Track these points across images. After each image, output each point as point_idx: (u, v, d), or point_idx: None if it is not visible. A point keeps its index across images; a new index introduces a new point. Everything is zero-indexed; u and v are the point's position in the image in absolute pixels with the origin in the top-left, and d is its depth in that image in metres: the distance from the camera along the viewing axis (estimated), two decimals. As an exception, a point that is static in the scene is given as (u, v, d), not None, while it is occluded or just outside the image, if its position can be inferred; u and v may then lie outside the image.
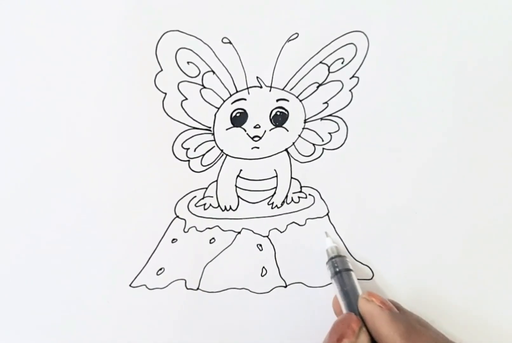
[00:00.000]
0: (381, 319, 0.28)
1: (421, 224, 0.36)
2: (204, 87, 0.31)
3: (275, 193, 0.34)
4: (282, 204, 0.35)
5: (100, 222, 0.33)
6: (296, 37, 0.30)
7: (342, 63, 0.31)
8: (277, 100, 0.32)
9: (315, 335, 0.39)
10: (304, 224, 0.35)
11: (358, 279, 0.37)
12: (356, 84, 0.32)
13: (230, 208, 0.34)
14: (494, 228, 0.36)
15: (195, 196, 0.34)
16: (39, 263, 0.34)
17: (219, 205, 0.34)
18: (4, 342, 0.36)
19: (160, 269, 0.35)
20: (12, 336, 0.36)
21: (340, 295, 0.32)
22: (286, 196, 0.34)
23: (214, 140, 0.32)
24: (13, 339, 0.36)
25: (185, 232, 0.34)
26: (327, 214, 0.35)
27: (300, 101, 0.32)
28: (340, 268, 0.33)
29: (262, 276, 0.36)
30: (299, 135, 0.33)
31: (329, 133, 0.33)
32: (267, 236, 0.35)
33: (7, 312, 0.35)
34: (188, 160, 0.32)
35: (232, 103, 0.31)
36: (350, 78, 0.32)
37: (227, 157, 0.33)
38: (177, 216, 0.34)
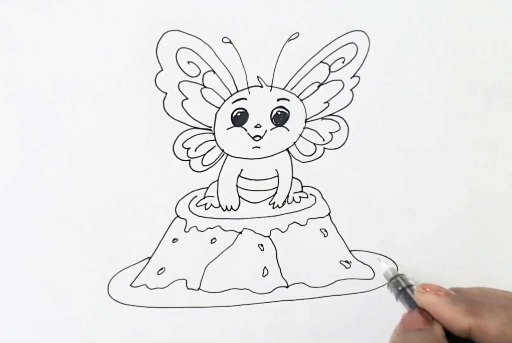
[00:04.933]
0: (441, 305, 0.28)
1: (422, 223, 0.36)
2: (205, 87, 0.31)
3: (276, 192, 0.34)
4: (283, 204, 0.34)
5: (100, 221, 0.33)
6: (297, 36, 0.30)
7: (343, 62, 0.31)
8: (278, 100, 0.32)
9: (317, 335, 0.39)
10: (305, 224, 0.35)
11: (359, 279, 0.37)
12: (357, 84, 0.32)
13: (231, 208, 0.34)
14: (496, 228, 0.36)
15: (196, 196, 0.33)
16: (39, 262, 0.34)
17: (220, 205, 0.34)
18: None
19: (161, 269, 0.35)
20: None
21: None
22: (287, 196, 0.34)
23: (215, 139, 0.32)
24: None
25: (186, 232, 0.34)
26: (329, 214, 0.35)
27: (301, 100, 0.32)
28: (404, 286, 0.33)
29: (263, 276, 0.36)
30: (300, 135, 0.33)
31: (330, 133, 0.33)
32: (268, 236, 0.35)
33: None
34: (189, 160, 0.32)
35: (232, 103, 0.31)
36: (351, 78, 0.32)
37: (228, 156, 0.33)
38: (178, 216, 0.34)
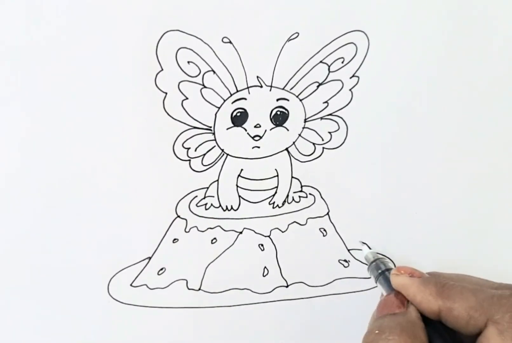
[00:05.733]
0: (413, 287, 0.29)
1: (421, 223, 0.36)
2: (205, 87, 0.31)
3: (276, 192, 0.34)
4: (283, 204, 0.35)
5: (100, 221, 0.33)
6: (297, 36, 0.30)
7: (342, 62, 0.31)
8: (277, 100, 0.32)
9: (316, 334, 0.39)
10: (305, 224, 0.35)
11: (358, 278, 0.37)
12: (356, 84, 0.32)
13: (232, 208, 0.34)
14: (495, 229, 0.37)
15: (196, 196, 0.33)
16: (39, 262, 0.34)
17: (220, 205, 0.34)
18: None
19: (161, 269, 0.35)
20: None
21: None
22: (287, 196, 0.34)
23: (215, 139, 0.32)
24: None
25: (186, 232, 0.34)
26: (328, 214, 0.35)
27: (300, 100, 0.32)
28: (383, 269, 0.33)
29: (263, 276, 0.36)
30: (299, 135, 0.33)
31: (329, 133, 0.33)
32: (268, 236, 0.35)
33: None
34: (189, 160, 0.32)
35: (232, 103, 0.31)
36: (350, 78, 0.32)
37: (228, 156, 0.33)
38: (178, 216, 0.34)
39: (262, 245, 0.35)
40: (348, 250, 0.37)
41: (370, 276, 0.34)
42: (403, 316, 0.28)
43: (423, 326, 0.27)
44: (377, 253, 0.36)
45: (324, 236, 0.36)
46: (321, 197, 0.35)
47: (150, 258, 0.35)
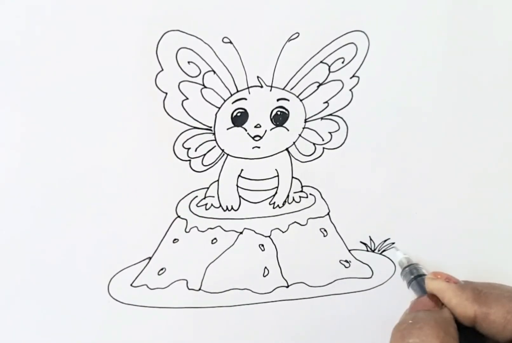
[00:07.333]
0: (449, 291, 0.29)
1: (421, 224, 0.36)
2: (205, 87, 0.31)
3: (276, 192, 0.34)
4: (283, 204, 0.35)
5: (100, 221, 0.33)
6: (297, 36, 0.30)
7: (343, 62, 0.31)
8: (278, 100, 0.32)
9: (317, 334, 0.39)
10: (305, 224, 0.35)
11: (358, 278, 0.37)
12: (357, 84, 0.32)
13: (232, 208, 0.34)
14: (497, 230, 0.37)
15: (196, 196, 0.33)
16: (39, 262, 0.34)
17: (220, 205, 0.34)
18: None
19: (162, 269, 0.35)
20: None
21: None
22: (288, 196, 0.34)
23: (215, 139, 0.32)
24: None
25: (186, 232, 0.34)
26: (328, 214, 0.35)
27: (301, 100, 0.32)
28: (416, 274, 0.34)
29: (264, 276, 0.36)
30: (300, 135, 0.33)
31: (330, 133, 0.33)
32: (269, 236, 0.35)
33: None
34: (189, 160, 0.32)
35: (232, 103, 0.31)
36: (351, 78, 0.32)
37: (228, 156, 0.33)
38: (179, 216, 0.34)
39: (262, 245, 0.35)
40: (349, 251, 0.37)
41: (403, 280, 0.35)
42: (437, 313, 0.29)
43: (455, 326, 0.28)
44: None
45: (324, 236, 0.36)
46: (322, 197, 0.35)
47: (150, 258, 0.35)
